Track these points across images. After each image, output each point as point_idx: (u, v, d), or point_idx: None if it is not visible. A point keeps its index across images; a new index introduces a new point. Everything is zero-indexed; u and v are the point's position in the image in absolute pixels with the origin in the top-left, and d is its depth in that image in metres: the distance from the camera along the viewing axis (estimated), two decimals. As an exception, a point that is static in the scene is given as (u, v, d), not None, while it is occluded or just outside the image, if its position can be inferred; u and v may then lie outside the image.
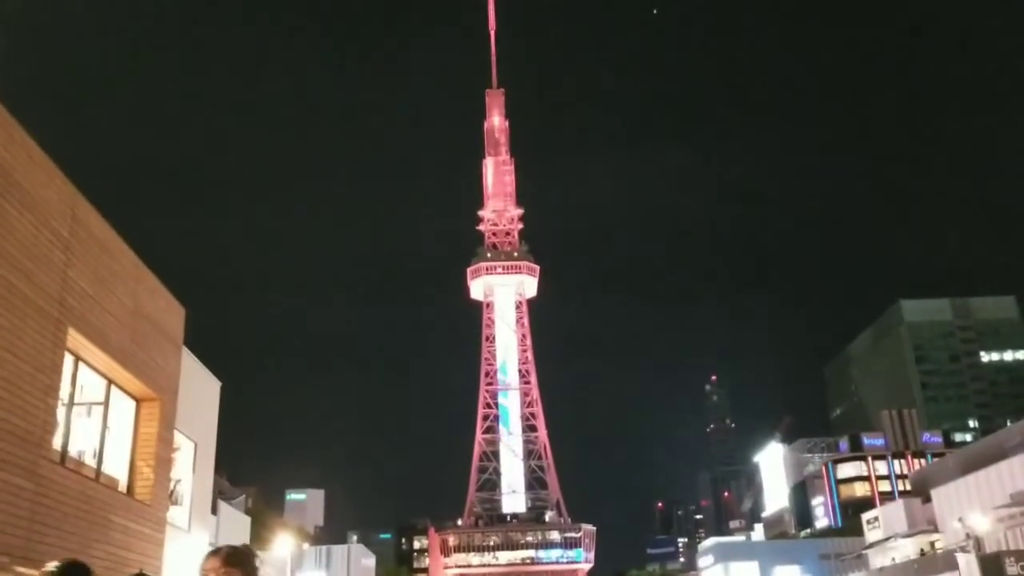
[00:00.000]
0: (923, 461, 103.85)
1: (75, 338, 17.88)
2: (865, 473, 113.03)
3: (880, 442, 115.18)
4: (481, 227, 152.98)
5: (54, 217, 17.25)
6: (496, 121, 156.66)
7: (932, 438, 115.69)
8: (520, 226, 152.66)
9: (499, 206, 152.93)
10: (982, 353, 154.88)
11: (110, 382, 20.47)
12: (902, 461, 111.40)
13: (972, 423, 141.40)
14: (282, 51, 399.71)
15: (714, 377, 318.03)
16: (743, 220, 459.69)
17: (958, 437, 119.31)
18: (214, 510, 40.11)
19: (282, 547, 41.62)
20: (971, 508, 43.41)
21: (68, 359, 18.06)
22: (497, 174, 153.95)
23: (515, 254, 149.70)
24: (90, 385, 19.90)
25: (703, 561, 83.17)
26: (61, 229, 17.46)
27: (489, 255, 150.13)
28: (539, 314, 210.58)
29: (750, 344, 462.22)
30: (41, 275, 16.58)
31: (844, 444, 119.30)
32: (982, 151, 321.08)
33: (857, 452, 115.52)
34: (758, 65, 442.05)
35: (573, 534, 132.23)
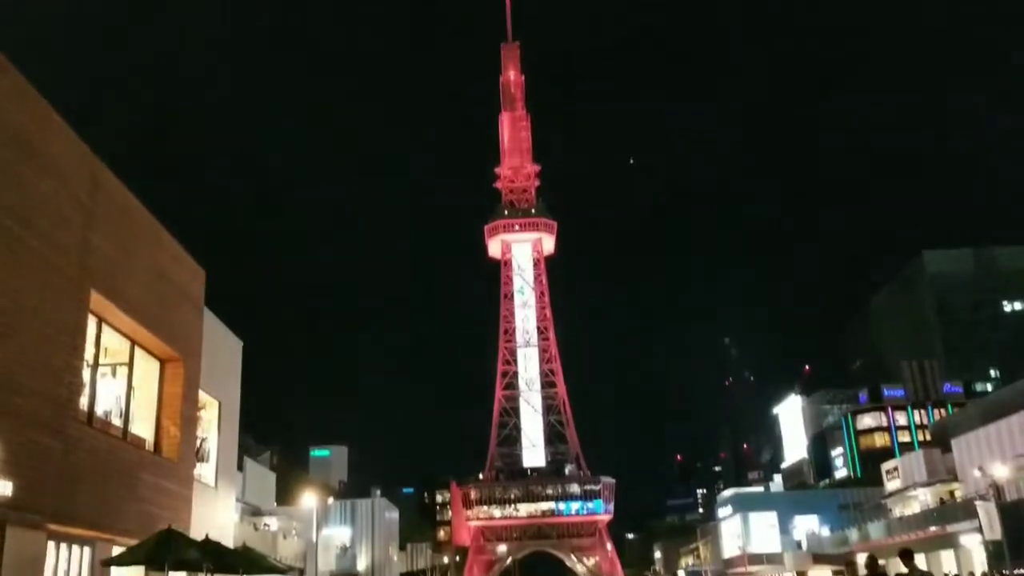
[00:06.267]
0: (943, 411, 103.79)
1: (98, 300, 18.13)
2: (885, 424, 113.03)
3: (900, 393, 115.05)
4: (498, 184, 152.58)
5: (74, 181, 17.40)
6: (511, 76, 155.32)
7: (953, 388, 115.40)
8: (537, 183, 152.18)
9: (515, 163, 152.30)
10: (1004, 303, 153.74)
11: (134, 343, 20.80)
12: (922, 411, 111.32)
13: (993, 373, 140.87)
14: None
15: (734, 331, 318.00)
16: (765, 173, 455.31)
17: (979, 387, 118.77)
18: (240, 467, 40.86)
19: (308, 502, 42.35)
20: (991, 457, 43.47)
21: (92, 321, 18.34)
22: (513, 130, 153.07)
23: (532, 211, 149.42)
24: (114, 347, 20.23)
25: (722, 512, 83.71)
26: (81, 193, 17.62)
27: (506, 212, 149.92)
28: (557, 271, 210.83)
29: (771, 297, 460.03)
30: (63, 239, 16.78)
31: (864, 396, 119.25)
32: (1003, 97, 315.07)
33: (877, 403, 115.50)
34: (780, 9, 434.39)
35: (593, 487, 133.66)
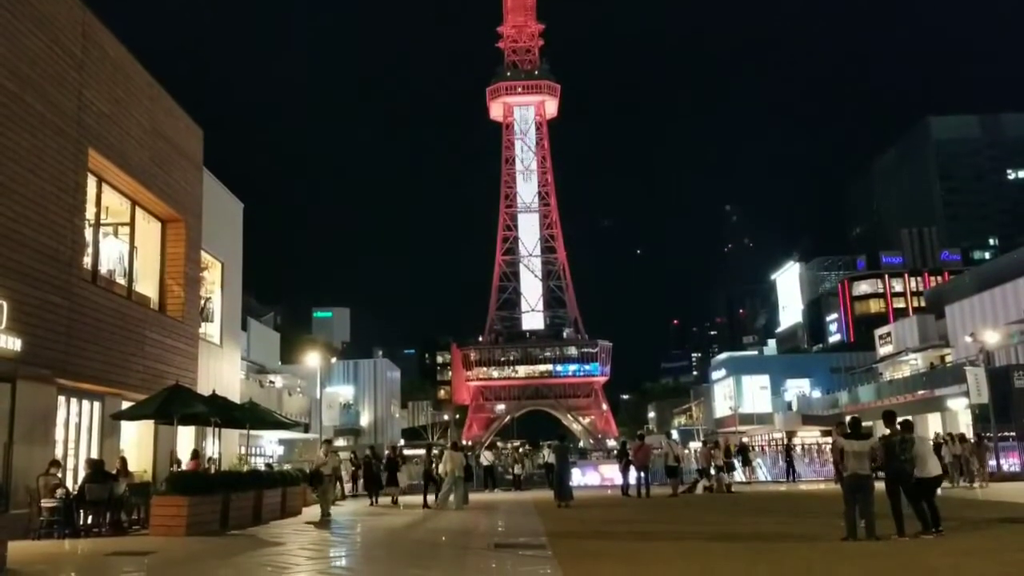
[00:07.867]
0: (940, 279, 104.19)
1: (96, 159, 17.98)
2: (881, 290, 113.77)
3: (898, 260, 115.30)
4: (501, 44, 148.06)
5: (65, 35, 16.93)
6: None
7: (950, 256, 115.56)
8: (541, 43, 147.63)
9: (519, 21, 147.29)
10: (1008, 171, 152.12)
11: (134, 203, 20.75)
12: (919, 279, 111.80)
13: (992, 241, 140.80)
14: None
15: (735, 197, 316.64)
16: (771, 33, 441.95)
17: (977, 255, 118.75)
18: (244, 327, 41.49)
19: (311, 361, 43.16)
20: (983, 324, 44.01)
21: (91, 181, 18.23)
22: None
23: (536, 72, 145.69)
24: (115, 206, 20.19)
25: (716, 374, 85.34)
26: (73, 48, 17.17)
27: (509, 74, 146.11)
28: (560, 135, 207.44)
29: (773, 163, 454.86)
30: (57, 95, 16.47)
31: (862, 262, 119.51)
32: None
33: (874, 270, 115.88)
34: None
35: (590, 349, 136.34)
